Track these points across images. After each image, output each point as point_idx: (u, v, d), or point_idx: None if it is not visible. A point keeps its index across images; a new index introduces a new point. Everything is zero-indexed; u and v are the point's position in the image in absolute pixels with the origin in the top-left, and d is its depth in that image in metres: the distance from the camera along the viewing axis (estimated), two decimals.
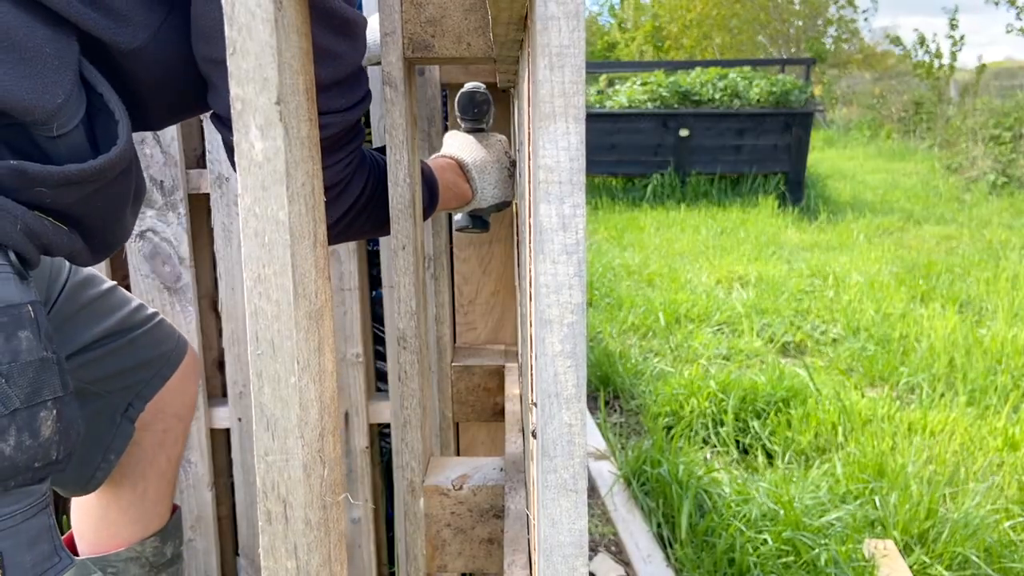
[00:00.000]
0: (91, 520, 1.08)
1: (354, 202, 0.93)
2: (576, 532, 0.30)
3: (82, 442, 0.85)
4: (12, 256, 0.65)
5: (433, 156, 1.22)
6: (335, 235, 0.95)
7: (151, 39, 0.71)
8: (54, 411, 0.64)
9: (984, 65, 11.39)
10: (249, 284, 0.34)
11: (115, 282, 1.04)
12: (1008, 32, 12.04)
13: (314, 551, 0.36)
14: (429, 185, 1.09)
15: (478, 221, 1.41)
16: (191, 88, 0.77)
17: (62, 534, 0.78)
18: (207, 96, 0.79)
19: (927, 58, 12.30)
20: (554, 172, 0.28)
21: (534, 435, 0.41)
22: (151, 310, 1.06)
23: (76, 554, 1.09)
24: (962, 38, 11.81)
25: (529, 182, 0.51)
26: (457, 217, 1.45)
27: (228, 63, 0.33)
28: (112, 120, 0.70)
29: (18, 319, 0.62)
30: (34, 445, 0.62)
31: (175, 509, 1.16)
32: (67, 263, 0.94)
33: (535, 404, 0.37)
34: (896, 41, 13.51)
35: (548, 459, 0.30)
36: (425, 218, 1.12)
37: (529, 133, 0.50)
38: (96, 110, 0.70)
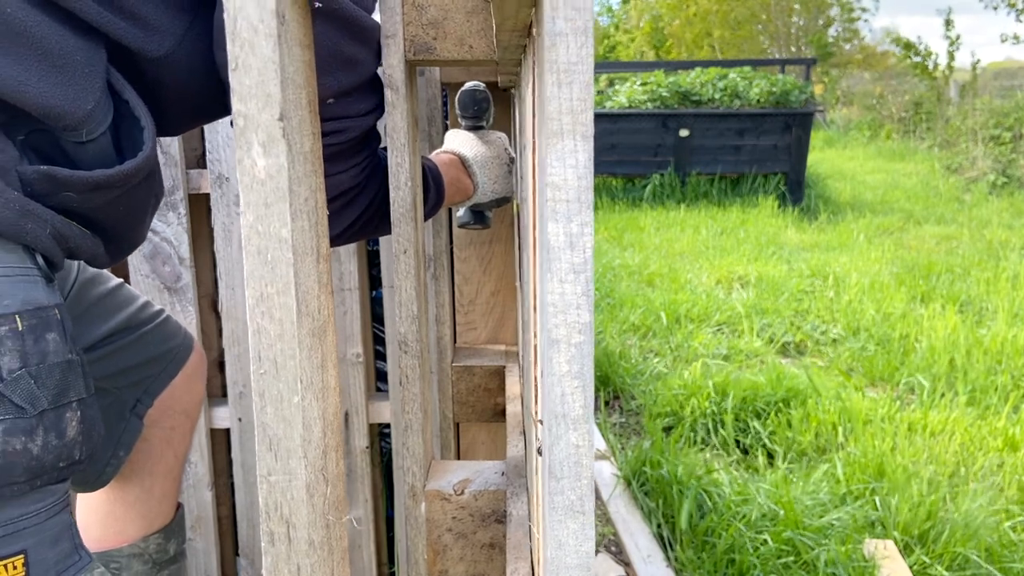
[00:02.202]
0: (97, 515, 1.08)
1: (370, 203, 0.95)
2: (583, 554, 0.30)
3: None
4: (40, 260, 0.66)
5: (435, 152, 1.23)
6: (352, 235, 0.98)
7: (177, 46, 0.73)
8: (79, 412, 0.65)
9: (978, 60, 11.38)
10: (251, 303, 0.34)
11: (121, 279, 1.04)
12: (1003, 41, 12.05)
13: (317, 571, 0.36)
14: (436, 181, 1.11)
15: (479, 217, 1.44)
16: (212, 94, 0.79)
17: None
18: (228, 102, 0.79)
19: (922, 59, 12.33)
20: (561, 190, 0.28)
21: (539, 452, 0.41)
22: (157, 307, 1.07)
23: None
24: (958, 38, 11.81)
25: (533, 190, 0.50)
26: (459, 213, 1.47)
27: (230, 79, 0.32)
28: (138, 126, 0.71)
29: (46, 321, 0.63)
30: (59, 445, 0.63)
31: (179, 507, 1.17)
32: (75, 261, 0.95)
33: (541, 422, 0.36)
34: (897, 41, 13.52)
35: (555, 480, 0.30)
36: (433, 214, 1.14)
37: (533, 141, 0.50)
38: (122, 116, 0.71)
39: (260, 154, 0.32)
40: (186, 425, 1.13)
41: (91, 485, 1.03)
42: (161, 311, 1.07)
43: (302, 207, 0.34)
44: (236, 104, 0.32)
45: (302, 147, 0.35)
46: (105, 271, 1.02)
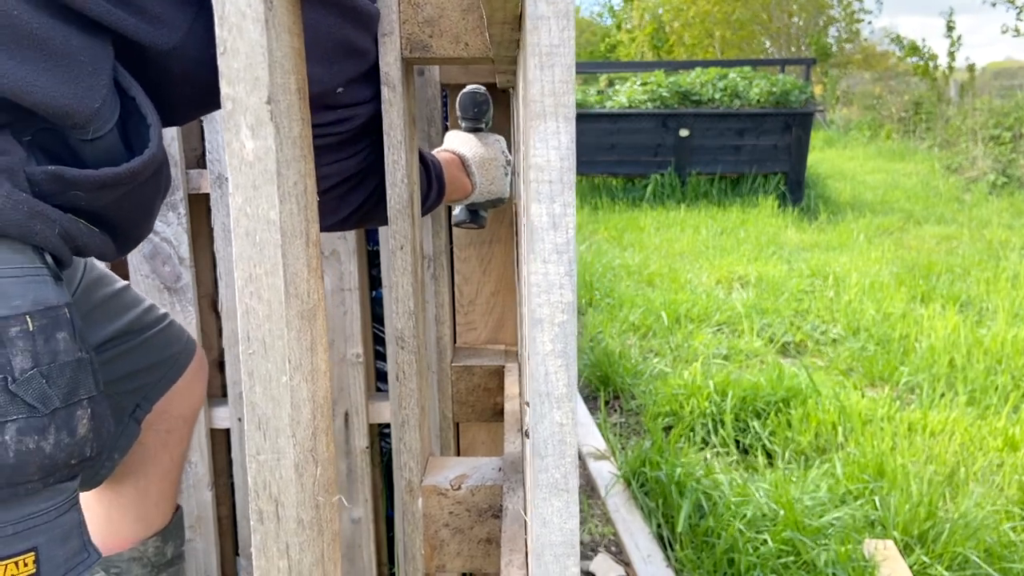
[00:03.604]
0: (94, 521, 1.08)
1: (376, 186, 0.96)
2: (567, 531, 0.30)
3: None
4: (49, 259, 0.66)
5: (435, 150, 1.24)
6: (359, 219, 0.99)
7: (185, 37, 0.73)
8: (89, 410, 0.66)
9: (973, 65, 11.41)
10: (240, 283, 0.34)
11: (127, 281, 1.04)
12: (1004, 32, 12.05)
13: (306, 550, 0.36)
14: (438, 178, 1.13)
15: (475, 216, 1.46)
16: (217, 83, 0.79)
17: None
18: None
19: (922, 62, 12.38)
20: (544, 171, 0.28)
21: (527, 434, 0.42)
22: (162, 311, 1.06)
23: None
24: (959, 38, 11.83)
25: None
26: (455, 212, 1.49)
27: (219, 62, 0.33)
28: (144, 123, 0.71)
29: (56, 321, 0.64)
30: (71, 443, 0.64)
31: (177, 509, 1.16)
32: (82, 261, 0.95)
33: (528, 404, 0.37)
34: (897, 40, 13.56)
35: (540, 458, 0.30)
36: (433, 208, 1.15)
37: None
38: (128, 113, 0.71)
39: (248, 136, 0.32)
40: (183, 429, 1.13)
41: (85, 485, 1.03)
42: (165, 315, 1.06)
43: (291, 190, 0.35)
44: (225, 87, 0.33)
45: (291, 131, 0.35)
46: (110, 272, 1.02)
